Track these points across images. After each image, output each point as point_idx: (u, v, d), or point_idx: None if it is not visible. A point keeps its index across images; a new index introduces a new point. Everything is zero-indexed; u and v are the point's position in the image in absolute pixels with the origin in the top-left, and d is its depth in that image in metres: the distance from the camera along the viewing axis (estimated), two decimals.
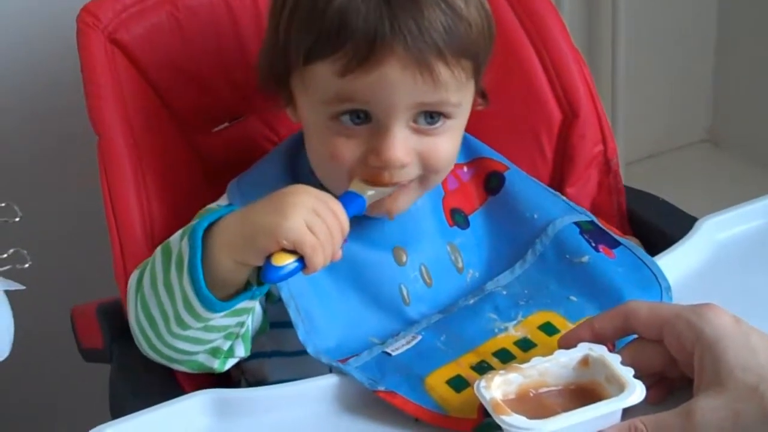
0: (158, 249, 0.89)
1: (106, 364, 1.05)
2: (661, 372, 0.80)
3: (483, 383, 0.78)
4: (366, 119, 0.88)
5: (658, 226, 1.10)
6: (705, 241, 1.00)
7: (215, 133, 1.14)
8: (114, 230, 0.99)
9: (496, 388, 0.78)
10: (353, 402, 0.86)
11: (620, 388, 0.77)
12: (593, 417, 0.75)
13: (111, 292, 1.01)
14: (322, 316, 0.92)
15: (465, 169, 1.04)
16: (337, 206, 0.84)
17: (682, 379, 0.80)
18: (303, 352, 0.90)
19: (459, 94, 0.90)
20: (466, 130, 1.06)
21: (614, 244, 0.99)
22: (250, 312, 0.90)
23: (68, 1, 1.09)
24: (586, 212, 1.03)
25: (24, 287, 0.95)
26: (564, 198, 1.05)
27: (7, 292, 0.94)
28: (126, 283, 0.97)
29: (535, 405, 0.78)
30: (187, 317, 0.85)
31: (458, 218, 1.01)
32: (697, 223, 1.01)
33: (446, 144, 0.92)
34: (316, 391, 0.86)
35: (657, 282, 0.94)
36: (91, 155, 1.02)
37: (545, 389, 0.80)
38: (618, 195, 1.14)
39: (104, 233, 1.00)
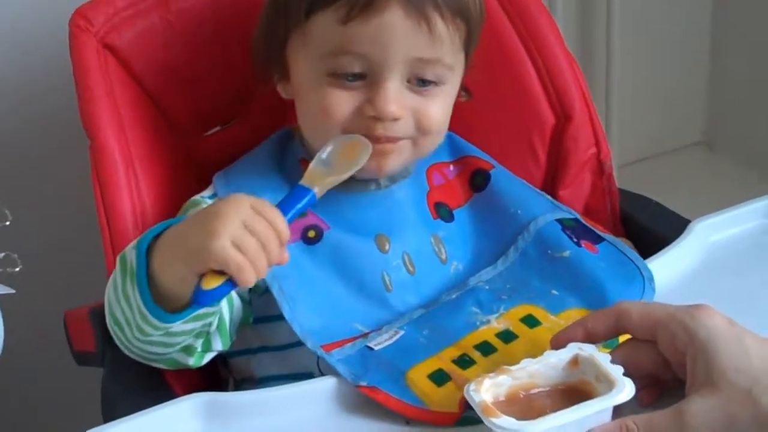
0: (119, 255, 0.88)
1: (99, 367, 1.04)
2: (654, 372, 0.80)
3: (473, 386, 0.78)
4: (361, 77, 0.91)
5: (652, 229, 1.10)
6: (698, 244, 1.00)
7: (208, 136, 1.14)
8: (106, 234, 1.00)
9: (485, 391, 0.78)
10: (344, 405, 0.86)
11: (610, 386, 0.76)
12: (582, 416, 0.75)
13: (103, 296, 1.01)
14: (305, 299, 0.93)
15: (451, 167, 1.05)
16: (274, 213, 0.82)
17: (674, 380, 0.80)
18: (289, 346, 0.91)
19: (452, 57, 0.93)
20: (459, 132, 1.06)
21: (597, 239, 0.99)
22: (214, 315, 0.89)
23: (61, 5, 1.09)
24: (570, 210, 1.03)
25: (14, 291, 0.94)
26: (549, 197, 1.05)
27: None
28: None
29: (525, 406, 0.78)
30: (145, 326, 0.86)
31: (442, 212, 1.02)
32: (689, 226, 1.01)
33: (438, 106, 0.94)
34: (308, 394, 0.86)
35: (640, 274, 0.94)
36: (83, 159, 1.02)
37: (535, 390, 0.80)
38: (611, 197, 1.15)
39: (96, 237, 0.99)
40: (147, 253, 0.83)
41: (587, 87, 1.14)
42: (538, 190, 1.06)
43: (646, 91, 2.14)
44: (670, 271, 0.96)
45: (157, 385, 0.98)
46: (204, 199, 0.98)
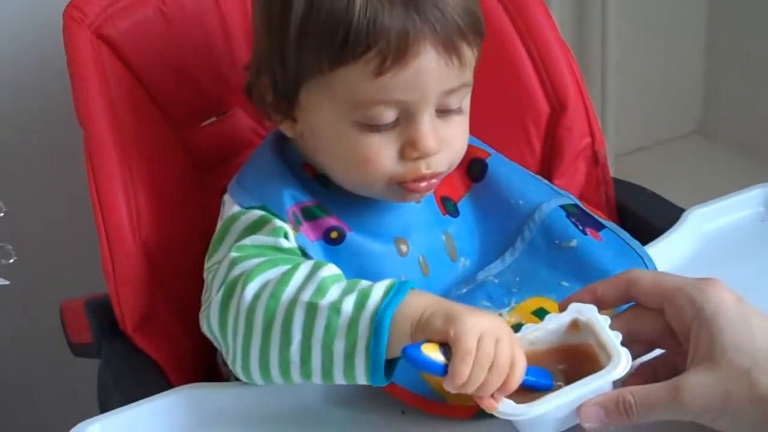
0: (315, 300, 0.81)
1: (95, 359, 1.05)
2: (657, 342, 0.81)
3: None
4: (393, 119, 0.88)
5: (646, 217, 1.10)
6: (692, 232, 1.00)
7: (203, 127, 1.14)
8: (101, 225, 0.99)
9: None
10: (340, 394, 0.86)
11: (607, 356, 0.77)
12: (580, 395, 0.76)
13: (98, 287, 1.01)
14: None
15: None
16: (522, 358, 0.78)
17: (672, 354, 0.80)
18: None
19: (472, 75, 0.92)
20: None
21: (599, 226, 0.99)
22: None
23: None
24: (568, 195, 1.03)
25: (8, 282, 0.95)
26: (546, 181, 1.05)
27: None
28: (114, 280, 0.98)
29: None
30: (339, 378, 0.81)
31: (449, 206, 1.02)
32: (684, 214, 1.01)
33: (462, 131, 0.93)
34: (303, 383, 0.86)
35: (644, 264, 0.94)
36: (77, 150, 1.02)
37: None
38: (606, 187, 1.15)
39: (91, 228, 0.99)
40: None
41: (582, 77, 1.14)
42: (534, 175, 1.06)
43: (641, 80, 2.14)
44: (665, 259, 0.96)
45: (153, 376, 0.98)
46: (243, 210, 0.93)
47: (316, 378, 0.81)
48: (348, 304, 0.79)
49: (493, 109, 1.13)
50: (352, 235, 0.93)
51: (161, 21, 1.07)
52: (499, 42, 1.11)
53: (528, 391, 0.78)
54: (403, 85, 0.85)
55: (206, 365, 1.03)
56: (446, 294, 0.96)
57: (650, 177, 1.25)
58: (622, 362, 0.76)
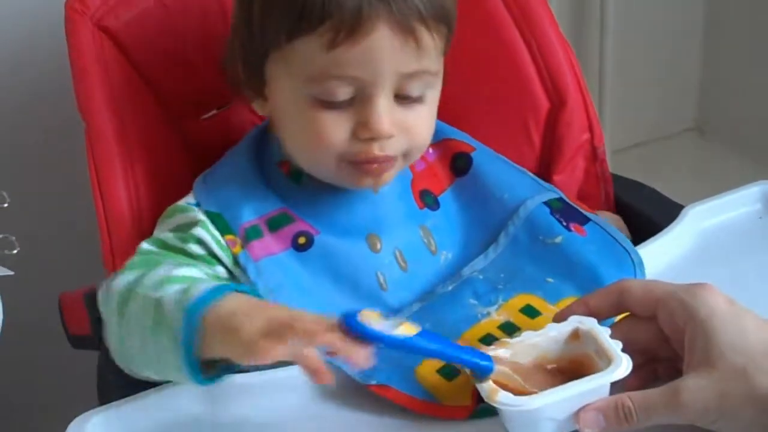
0: (144, 294, 0.82)
1: (94, 350, 1.05)
2: (653, 350, 0.81)
3: None
4: (349, 97, 0.88)
5: (645, 214, 1.11)
6: (691, 229, 1.00)
7: (204, 120, 1.14)
8: (102, 216, 0.99)
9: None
10: (334, 390, 0.86)
11: (608, 362, 0.77)
12: (579, 392, 0.75)
13: (99, 279, 1.01)
14: (302, 308, 0.92)
15: (431, 150, 1.03)
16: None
17: (669, 361, 0.80)
18: None
19: (437, 64, 0.91)
20: (453, 116, 1.06)
21: (584, 220, 0.99)
22: None
23: None
24: (553, 188, 1.03)
25: (12, 273, 0.95)
26: (531, 175, 1.05)
27: None
28: (113, 269, 0.98)
29: (525, 378, 0.79)
30: (171, 376, 0.82)
31: (428, 199, 1.01)
32: (683, 211, 1.01)
33: (425, 118, 0.92)
34: (307, 379, 0.85)
35: (629, 257, 0.94)
36: (79, 142, 1.02)
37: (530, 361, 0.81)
38: (605, 183, 1.15)
39: (93, 219, 0.99)
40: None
41: (581, 72, 1.14)
42: (520, 168, 1.05)
43: (639, 77, 2.15)
44: (663, 256, 0.97)
45: None
46: (191, 206, 0.95)
47: (152, 366, 0.82)
48: (169, 296, 0.80)
49: (492, 103, 1.13)
50: (320, 237, 0.93)
51: (162, 13, 1.08)
52: (498, 36, 1.11)
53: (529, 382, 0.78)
54: (355, 61, 0.86)
55: None
56: (431, 290, 0.96)
57: (646, 173, 1.25)
58: (623, 364, 0.76)
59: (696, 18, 2.18)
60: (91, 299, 1.05)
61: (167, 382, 0.85)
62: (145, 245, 0.92)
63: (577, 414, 0.76)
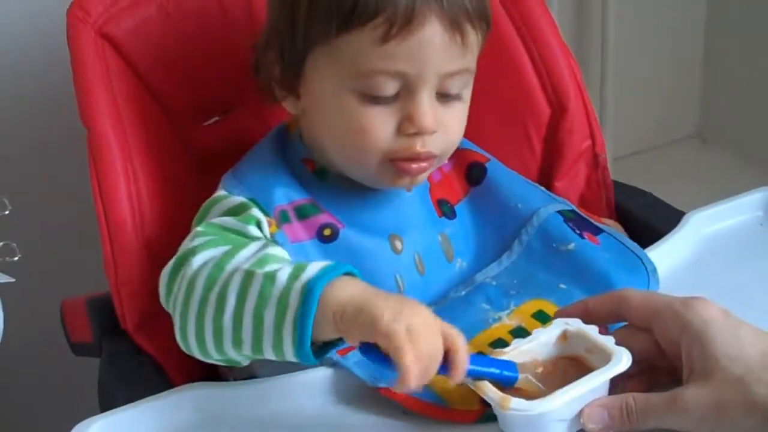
0: (264, 273, 0.81)
1: (96, 358, 1.05)
2: (650, 360, 0.81)
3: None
4: (394, 94, 0.88)
5: (646, 221, 1.11)
6: (692, 235, 1.00)
7: (206, 126, 1.14)
8: (103, 224, 0.99)
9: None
10: (342, 395, 0.86)
11: (604, 356, 0.78)
12: (587, 390, 0.76)
13: (101, 286, 1.01)
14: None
15: (446, 161, 1.02)
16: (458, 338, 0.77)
17: (667, 371, 0.80)
18: None
19: (474, 62, 0.92)
20: None
21: (597, 230, 1.00)
22: None
23: None
24: (565, 201, 1.04)
25: (14, 280, 0.95)
26: (543, 189, 1.06)
27: None
28: (115, 279, 0.98)
29: (521, 387, 0.79)
30: (269, 353, 0.80)
31: (446, 209, 1.02)
32: (684, 218, 1.01)
33: (459, 119, 0.93)
34: (305, 384, 0.86)
35: (643, 265, 0.95)
36: (81, 149, 1.02)
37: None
38: (606, 190, 1.15)
39: (94, 227, 0.99)
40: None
41: (582, 79, 1.15)
42: (532, 182, 1.06)
43: (640, 84, 2.15)
44: (665, 262, 0.97)
45: (154, 375, 0.98)
46: (229, 194, 0.94)
47: (247, 348, 0.80)
48: (283, 274, 0.80)
49: (493, 110, 1.13)
50: (345, 232, 0.94)
51: (164, 20, 1.08)
52: (500, 43, 1.11)
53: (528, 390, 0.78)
54: (405, 56, 0.86)
55: (207, 365, 1.02)
56: (445, 294, 0.97)
57: (647, 180, 1.25)
58: (624, 358, 0.77)
59: (697, 25, 2.18)
60: (93, 306, 1.06)
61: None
62: (201, 228, 0.90)
63: (582, 410, 0.76)
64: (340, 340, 0.79)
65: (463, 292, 0.97)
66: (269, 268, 0.81)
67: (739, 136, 2.18)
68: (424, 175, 0.94)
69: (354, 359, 0.86)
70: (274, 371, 0.90)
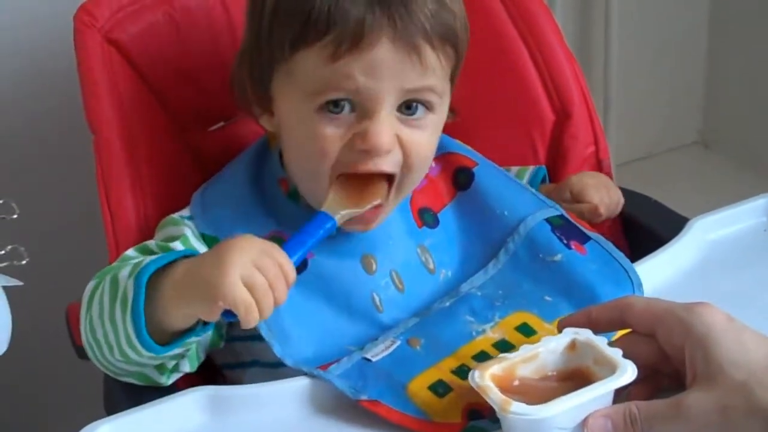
0: (107, 277, 0.88)
1: None
2: (654, 365, 0.81)
3: (477, 373, 0.78)
4: (351, 108, 0.88)
5: (650, 227, 1.11)
6: (696, 241, 1.00)
7: (211, 132, 1.15)
8: (110, 228, 1.00)
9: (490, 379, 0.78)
10: (323, 406, 0.86)
11: (611, 368, 0.77)
12: (589, 399, 0.76)
13: None
14: (295, 331, 0.91)
15: (433, 164, 1.01)
16: (281, 256, 0.82)
17: (672, 376, 0.81)
18: (282, 364, 0.89)
19: (442, 85, 0.90)
20: (460, 129, 1.07)
21: (585, 238, 0.98)
22: (195, 342, 0.90)
23: (66, 0, 1.10)
24: (555, 205, 1.02)
25: (21, 283, 0.95)
26: (533, 190, 1.04)
27: (5, 288, 0.94)
28: None
29: (526, 392, 0.79)
30: (129, 352, 0.86)
31: (427, 218, 1.01)
32: (688, 224, 1.01)
33: (426, 137, 0.91)
34: (311, 387, 0.86)
35: (628, 277, 0.94)
36: (87, 153, 1.02)
37: (530, 375, 0.81)
38: None
39: (101, 231, 1.00)
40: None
41: (586, 85, 1.15)
42: (522, 184, 1.05)
43: (644, 90, 2.15)
44: (669, 268, 0.97)
45: None
46: (183, 219, 0.97)
47: (117, 353, 0.87)
48: (124, 273, 0.86)
49: (497, 116, 1.13)
50: (314, 260, 0.93)
51: (170, 26, 1.08)
52: (503, 48, 1.12)
53: (533, 396, 0.78)
54: (357, 74, 0.85)
55: (205, 373, 1.02)
56: (427, 307, 0.96)
57: (651, 186, 1.25)
58: (629, 370, 0.77)
59: (700, 31, 2.19)
60: None
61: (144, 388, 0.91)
62: (129, 252, 0.93)
63: (584, 421, 0.76)
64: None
65: (448, 303, 0.95)
66: (122, 272, 0.87)
67: (742, 143, 2.18)
68: (384, 216, 0.93)
69: (336, 372, 0.86)
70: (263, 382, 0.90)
